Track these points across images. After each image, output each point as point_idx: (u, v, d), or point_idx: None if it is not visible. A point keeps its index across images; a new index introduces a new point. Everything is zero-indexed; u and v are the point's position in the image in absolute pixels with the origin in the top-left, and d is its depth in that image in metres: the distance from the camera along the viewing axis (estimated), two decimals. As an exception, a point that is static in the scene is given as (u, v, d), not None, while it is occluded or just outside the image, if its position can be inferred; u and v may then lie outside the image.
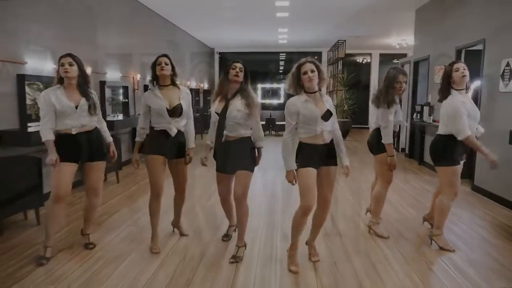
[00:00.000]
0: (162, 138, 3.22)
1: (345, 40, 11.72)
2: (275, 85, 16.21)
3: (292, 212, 2.95)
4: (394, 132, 3.55)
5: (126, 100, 7.15)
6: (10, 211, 3.89)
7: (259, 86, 15.83)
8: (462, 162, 3.33)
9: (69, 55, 3.10)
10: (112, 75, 6.66)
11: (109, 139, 3.41)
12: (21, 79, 4.35)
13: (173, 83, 3.28)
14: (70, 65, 3.05)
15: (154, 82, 3.26)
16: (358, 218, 4.18)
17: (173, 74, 3.26)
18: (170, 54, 3.29)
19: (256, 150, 3.17)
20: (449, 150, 3.24)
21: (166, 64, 3.18)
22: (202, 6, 8.16)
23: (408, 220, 4.12)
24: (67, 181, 3.09)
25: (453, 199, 3.32)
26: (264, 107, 13.67)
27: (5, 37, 4.24)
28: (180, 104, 3.21)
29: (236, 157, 3.07)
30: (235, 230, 3.46)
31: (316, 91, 2.80)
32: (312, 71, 2.74)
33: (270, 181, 5.82)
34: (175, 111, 3.19)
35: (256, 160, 3.17)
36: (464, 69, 3.24)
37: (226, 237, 3.54)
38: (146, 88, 7.96)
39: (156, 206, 3.32)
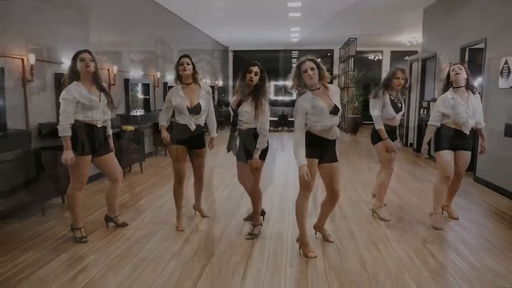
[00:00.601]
0: (184, 131, 3.60)
1: (356, 38, 11.99)
2: (287, 82, 16.53)
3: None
4: (394, 126, 3.99)
5: (148, 97, 7.63)
6: (50, 195, 4.38)
7: (272, 83, 16.18)
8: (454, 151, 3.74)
9: (87, 51, 3.35)
10: (135, 73, 7.13)
11: (110, 132, 3.62)
12: (58, 77, 4.81)
13: (195, 81, 3.66)
14: (91, 61, 3.31)
15: (178, 81, 3.64)
16: (363, 204, 4.54)
17: (194, 73, 3.63)
18: (188, 53, 3.68)
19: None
20: (436, 138, 3.78)
21: (188, 64, 3.56)
22: (220, 8, 8.57)
23: (410, 206, 4.47)
24: (86, 172, 3.41)
25: (444, 182, 3.73)
26: (277, 103, 14.01)
27: (47, 40, 4.72)
28: (199, 103, 3.58)
29: (247, 147, 3.43)
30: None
31: (319, 88, 3.02)
32: (312, 69, 2.93)
33: (283, 171, 6.21)
34: (195, 109, 3.57)
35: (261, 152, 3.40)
36: (459, 69, 3.64)
37: (248, 218, 3.94)
38: (165, 85, 8.43)
39: (179, 190, 3.75)
